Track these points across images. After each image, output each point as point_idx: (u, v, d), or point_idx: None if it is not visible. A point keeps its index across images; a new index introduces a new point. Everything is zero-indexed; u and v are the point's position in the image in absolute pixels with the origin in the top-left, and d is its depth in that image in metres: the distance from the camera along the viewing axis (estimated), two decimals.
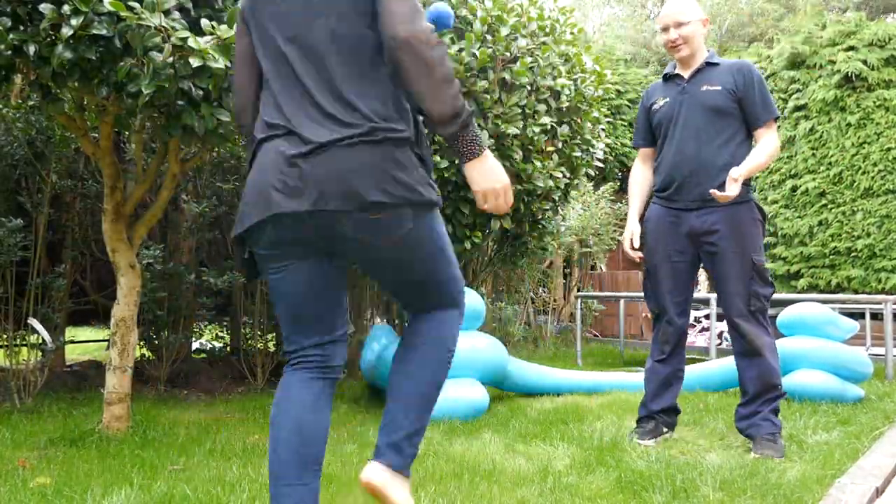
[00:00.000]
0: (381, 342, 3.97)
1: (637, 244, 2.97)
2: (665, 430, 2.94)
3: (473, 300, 3.66)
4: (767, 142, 2.76)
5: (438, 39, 1.41)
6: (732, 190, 2.54)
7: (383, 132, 1.45)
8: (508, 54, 4.05)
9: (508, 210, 1.53)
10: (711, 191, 2.60)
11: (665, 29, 2.87)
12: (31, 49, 2.30)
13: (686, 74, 2.89)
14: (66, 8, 2.24)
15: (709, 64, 2.86)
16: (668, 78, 2.97)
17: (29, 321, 3.64)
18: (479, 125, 3.95)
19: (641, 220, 3.03)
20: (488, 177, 1.49)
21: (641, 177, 3.09)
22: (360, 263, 1.64)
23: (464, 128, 1.43)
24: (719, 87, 2.79)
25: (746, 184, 2.75)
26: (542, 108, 4.17)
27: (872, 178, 7.73)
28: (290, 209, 1.44)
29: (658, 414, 2.93)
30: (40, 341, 3.80)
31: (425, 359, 1.63)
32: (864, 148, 7.82)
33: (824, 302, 4.42)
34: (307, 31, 1.49)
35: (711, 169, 2.75)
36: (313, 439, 1.54)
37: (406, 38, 1.38)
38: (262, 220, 1.48)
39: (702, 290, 7.86)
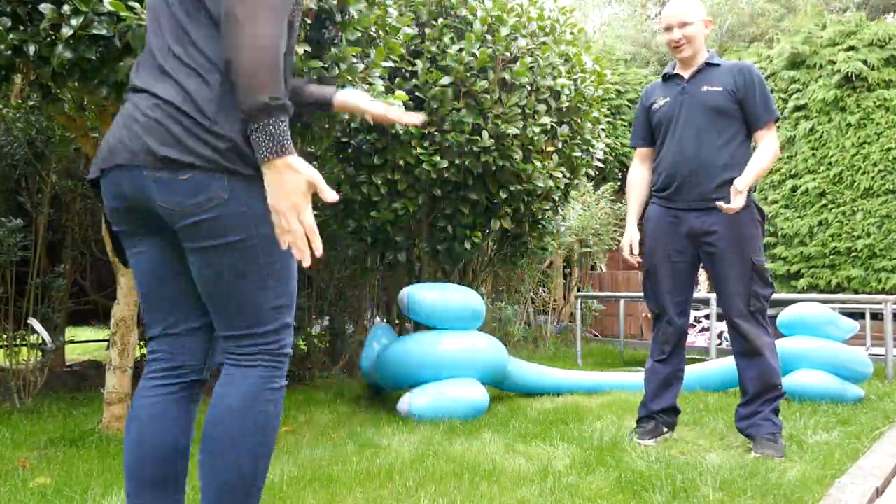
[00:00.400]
0: (381, 342, 3.97)
1: (636, 250, 2.96)
2: (665, 430, 2.94)
3: (473, 300, 3.66)
4: (767, 145, 2.76)
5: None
6: (738, 202, 2.54)
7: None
8: (508, 54, 4.05)
9: (313, 246, 1.25)
10: (718, 204, 2.60)
11: (668, 28, 2.87)
12: (31, 49, 2.29)
13: (686, 74, 2.89)
14: (66, 8, 2.24)
15: (709, 64, 2.86)
16: (667, 78, 2.96)
17: (29, 321, 3.64)
18: (478, 125, 3.95)
19: (640, 222, 3.04)
20: (281, 187, 1.20)
21: (640, 178, 3.08)
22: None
23: (267, 118, 1.17)
24: (720, 88, 2.79)
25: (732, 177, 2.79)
26: (542, 108, 4.17)
27: (872, 178, 7.73)
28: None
29: (658, 414, 2.93)
30: (40, 341, 3.80)
31: (229, 447, 1.34)
32: (864, 148, 7.82)
33: (824, 302, 4.42)
34: None
35: (711, 169, 2.76)
36: (153, 457, 1.37)
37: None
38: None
39: (702, 290, 7.86)
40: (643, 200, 3.08)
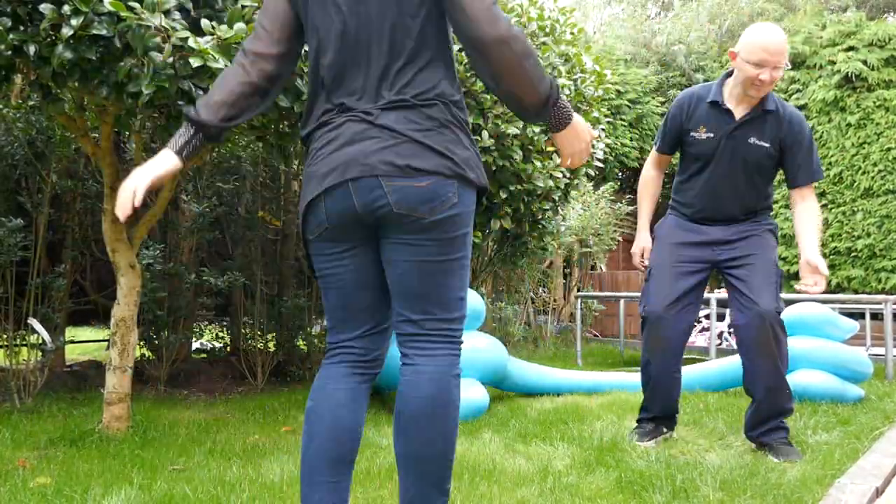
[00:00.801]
0: None
1: (647, 260, 2.91)
2: (665, 430, 2.93)
3: (473, 300, 3.66)
4: (814, 210, 2.70)
5: (518, 28, 1.39)
6: (821, 284, 2.54)
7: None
8: None
9: (588, 158, 1.49)
10: (799, 287, 2.60)
11: (760, 65, 2.53)
12: (32, 49, 2.30)
13: (738, 114, 2.67)
14: (66, 8, 2.24)
15: (765, 111, 2.66)
16: (716, 105, 2.71)
17: (29, 321, 3.64)
18: (478, 125, 3.95)
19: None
20: (577, 140, 1.50)
21: (654, 184, 2.99)
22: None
23: (555, 105, 1.44)
24: (767, 145, 2.67)
25: (764, 209, 2.82)
26: None
27: (872, 178, 7.74)
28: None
29: (658, 415, 2.92)
30: (40, 341, 3.80)
31: (427, 427, 1.49)
32: (864, 148, 7.83)
33: (824, 302, 4.42)
34: None
35: (742, 211, 2.77)
36: (346, 436, 1.53)
37: (494, 39, 1.36)
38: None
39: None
40: (655, 204, 3.02)
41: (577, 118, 1.49)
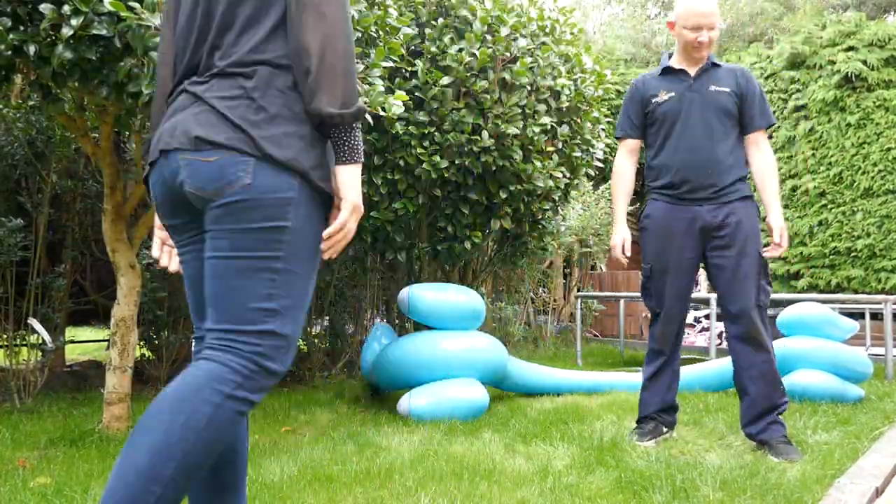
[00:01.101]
0: (380, 342, 3.97)
1: (629, 252, 2.92)
2: (665, 429, 2.94)
3: (473, 300, 3.66)
4: (768, 163, 2.84)
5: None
6: (784, 246, 2.71)
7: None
8: (508, 54, 4.05)
9: (342, 248, 1.26)
10: (765, 252, 2.72)
11: (696, 28, 2.77)
12: (32, 49, 2.30)
13: (692, 71, 2.86)
14: (66, 8, 2.24)
15: (713, 65, 2.87)
16: (668, 71, 2.90)
17: (29, 321, 3.64)
18: (478, 125, 3.95)
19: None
20: (352, 189, 1.27)
21: (628, 171, 3.00)
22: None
23: (349, 123, 1.25)
24: (727, 89, 2.80)
25: (742, 178, 2.83)
26: (542, 108, 4.17)
27: (872, 178, 7.74)
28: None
29: (658, 414, 2.92)
30: (40, 341, 3.80)
31: (143, 429, 1.15)
32: (864, 148, 7.83)
33: (824, 302, 4.42)
34: None
35: (723, 167, 2.78)
36: (223, 460, 1.35)
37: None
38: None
39: (702, 289, 7.86)
40: (630, 196, 3.04)
41: (357, 182, 1.28)
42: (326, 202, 1.30)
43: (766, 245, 2.76)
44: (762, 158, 2.85)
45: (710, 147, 2.79)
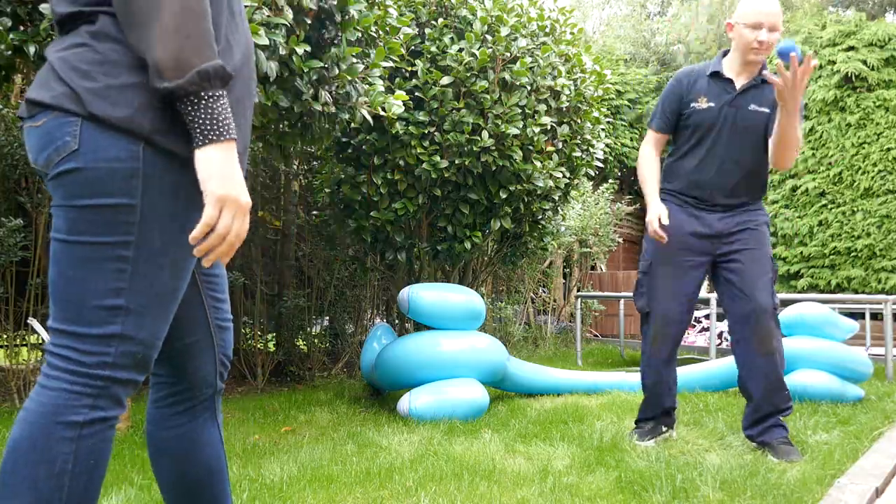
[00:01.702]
0: (380, 342, 3.97)
1: (665, 221, 2.69)
2: (664, 429, 2.93)
3: (473, 300, 3.67)
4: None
5: None
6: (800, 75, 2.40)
7: None
8: (508, 54, 4.05)
9: (230, 254, 1.02)
10: (766, 74, 2.53)
11: (756, 27, 2.59)
12: (32, 49, 2.29)
13: (738, 83, 2.71)
14: None
15: (763, 81, 2.70)
16: (715, 76, 2.75)
17: (29, 321, 3.64)
18: (478, 125, 3.95)
19: None
20: (224, 181, 0.98)
21: (656, 163, 2.88)
22: None
23: (198, 90, 0.96)
24: (768, 111, 2.69)
25: (759, 194, 2.79)
26: (542, 108, 4.17)
27: (872, 178, 7.74)
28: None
29: (658, 414, 2.92)
30: (40, 341, 3.80)
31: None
32: (864, 148, 7.83)
33: (824, 302, 4.43)
34: None
35: (741, 191, 2.75)
36: (201, 484, 1.25)
37: None
38: None
39: (702, 290, 7.86)
40: (658, 178, 2.88)
41: (224, 167, 0.98)
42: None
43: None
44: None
45: (734, 169, 2.73)
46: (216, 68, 0.97)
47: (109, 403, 1.02)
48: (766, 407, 2.70)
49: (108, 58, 0.98)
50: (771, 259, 2.73)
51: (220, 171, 0.98)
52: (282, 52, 2.47)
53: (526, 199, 4.44)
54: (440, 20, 4.03)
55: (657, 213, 2.71)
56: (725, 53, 2.79)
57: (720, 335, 6.32)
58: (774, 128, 2.62)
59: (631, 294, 6.46)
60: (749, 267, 2.69)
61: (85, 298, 0.99)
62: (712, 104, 2.72)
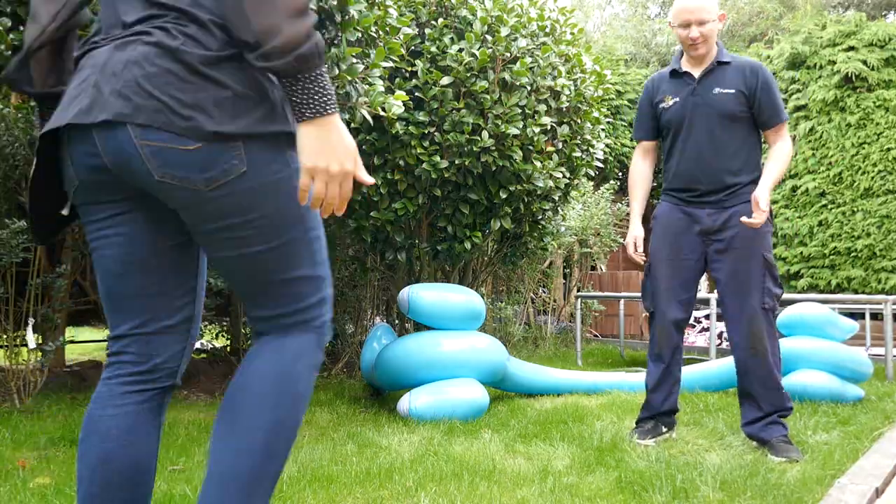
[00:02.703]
0: (381, 342, 3.97)
1: (640, 248, 2.91)
2: (664, 429, 2.94)
3: (473, 300, 3.67)
4: (780, 149, 2.74)
5: None
6: (760, 217, 2.52)
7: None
8: (508, 54, 4.05)
9: (339, 211, 1.12)
10: (742, 219, 2.58)
11: (685, 25, 2.72)
12: None
13: (697, 73, 2.80)
14: None
15: (720, 63, 2.77)
16: (675, 73, 2.86)
17: (27, 334, 3.64)
18: (478, 125, 3.95)
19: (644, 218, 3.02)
20: (326, 151, 1.07)
21: (643, 173, 3.02)
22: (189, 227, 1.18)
23: (304, 65, 1.02)
24: (732, 91, 2.73)
25: (751, 182, 2.76)
26: (542, 108, 4.17)
27: (872, 178, 7.74)
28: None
29: (658, 414, 2.92)
30: (39, 341, 3.81)
31: (251, 410, 1.15)
32: (864, 148, 7.83)
33: (824, 302, 4.43)
34: None
35: (727, 174, 2.75)
36: (122, 480, 1.16)
37: None
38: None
39: (702, 289, 7.86)
40: (646, 195, 3.03)
41: (340, 125, 1.08)
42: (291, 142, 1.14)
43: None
44: (776, 146, 2.76)
45: (713, 155, 2.76)
46: (320, 45, 1.04)
47: (323, 350, 1.24)
48: (765, 406, 2.71)
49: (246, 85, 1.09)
50: (763, 256, 2.70)
51: (311, 145, 1.07)
52: None
53: (526, 200, 4.44)
54: (440, 20, 4.04)
55: (633, 237, 2.93)
56: (682, 54, 2.90)
57: (720, 335, 6.32)
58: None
59: (631, 294, 6.47)
60: (733, 268, 2.72)
61: (300, 283, 1.19)
62: (677, 99, 2.83)
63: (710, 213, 2.78)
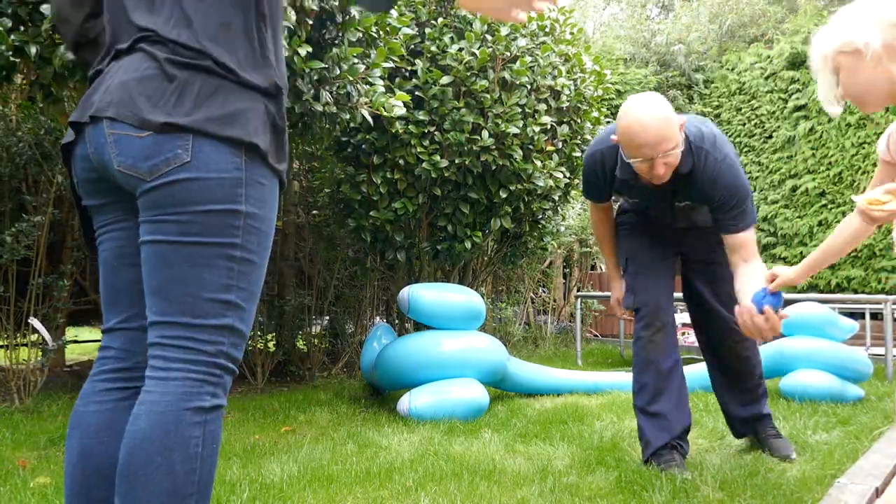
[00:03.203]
0: (381, 342, 3.97)
1: (627, 307, 2.56)
2: (683, 447, 2.50)
3: (473, 300, 3.67)
4: (754, 265, 2.26)
5: None
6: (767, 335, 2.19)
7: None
8: (508, 54, 4.05)
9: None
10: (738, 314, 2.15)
11: (648, 160, 2.14)
12: (33, 50, 2.30)
13: (654, 184, 2.28)
14: None
15: (679, 176, 2.25)
16: (624, 182, 2.41)
17: (30, 321, 3.64)
18: (478, 125, 3.96)
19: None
20: None
21: (606, 224, 2.67)
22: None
23: None
24: (695, 202, 2.38)
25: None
26: (542, 107, 4.18)
27: (872, 177, 7.75)
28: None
29: (675, 440, 2.45)
30: (41, 341, 3.80)
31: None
32: (864, 148, 7.83)
33: (824, 302, 4.42)
34: None
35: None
36: (100, 476, 1.17)
37: None
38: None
39: None
40: (614, 240, 2.69)
41: None
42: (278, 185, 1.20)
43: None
44: (747, 267, 2.24)
45: (683, 231, 2.53)
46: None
47: (222, 391, 1.13)
48: (745, 402, 2.68)
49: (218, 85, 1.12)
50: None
51: None
52: (285, 53, 2.47)
53: (526, 199, 4.44)
54: (440, 20, 4.04)
55: (615, 300, 2.66)
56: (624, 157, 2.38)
57: None
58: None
59: None
60: (715, 277, 2.55)
61: (201, 293, 1.10)
62: (636, 200, 2.52)
63: (674, 232, 2.56)
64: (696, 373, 4.16)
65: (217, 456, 1.13)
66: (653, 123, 2.10)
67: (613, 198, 2.63)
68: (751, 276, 2.20)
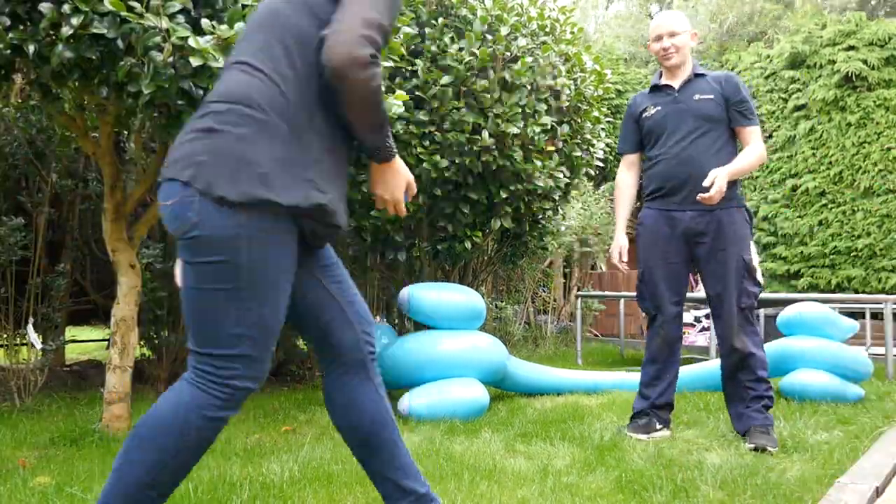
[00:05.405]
0: (381, 342, 3.97)
1: (625, 257, 3.08)
2: (659, 426, 2.97)
3: (474, 300, 3.66)
4: (754, 147, 2.89)
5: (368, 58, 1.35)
6: (713, 190, 2.64)
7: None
8: (509, 54, 4.05)
9: (400, 213, 1.61)
10: (699, 196, 2.70)
11: (658, 38, 2.98)
12: (31, 48, 2.29)
13: (676, 84, 2.99)
14: (66, 7, 2.24)
15: (697, 75, 2.98)
16: (656, 88, 3.06)
17: (27, 330, 3.64)
18: (478, 124, 3.96)
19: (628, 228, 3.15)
20: (393, 180, 1.56)
21: (628, 183, 3.18)
22: None
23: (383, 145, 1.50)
24: (710, 96, 2.92)
25: (733, 185, 2.85)
26: (542, 107, 4.17)
27: (872, 177, 7.74)
28: None
29: (652, 409, 2.98)
30: (31, 345, 3.81)
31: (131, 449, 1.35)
32: (864, 147, 7.83)
33: (824, 302, 4.42)
34: None
35: (704, 173, 2.81)
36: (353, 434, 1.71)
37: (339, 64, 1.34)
38: None
39: (701, 289, 7.86)
40: (631, 206, 3.19)
41: (399, 161, 1.56)
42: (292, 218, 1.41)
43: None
44: (747, 148, 2.92)
45: (694, 155, 2.89)
46: (390, 142, 1.56)
47: (232, 406, 1.39)
48: (745, 398, 2.87)
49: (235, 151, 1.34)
50: (742, 257, 2.84)
51: (379, 180, 1.57)
52: None
53: (526, 199, 4.44)
54: (440, 19, 4.03)
55: (618, 247, 3.09)
56: (661, 74, 3.10)
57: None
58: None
59: (631, 294, 6.46)
60: (714, 271, 2.89)
61: (218, 329, 1.36)
62: (659, 108, 3.01)
63: (692, 215, 2.89)
64: (697, 373, 4.16)
65: (200, 455, 1.39)
66: (668, 16, 3.02)
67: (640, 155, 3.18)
68: (743, 154, 2.88)
